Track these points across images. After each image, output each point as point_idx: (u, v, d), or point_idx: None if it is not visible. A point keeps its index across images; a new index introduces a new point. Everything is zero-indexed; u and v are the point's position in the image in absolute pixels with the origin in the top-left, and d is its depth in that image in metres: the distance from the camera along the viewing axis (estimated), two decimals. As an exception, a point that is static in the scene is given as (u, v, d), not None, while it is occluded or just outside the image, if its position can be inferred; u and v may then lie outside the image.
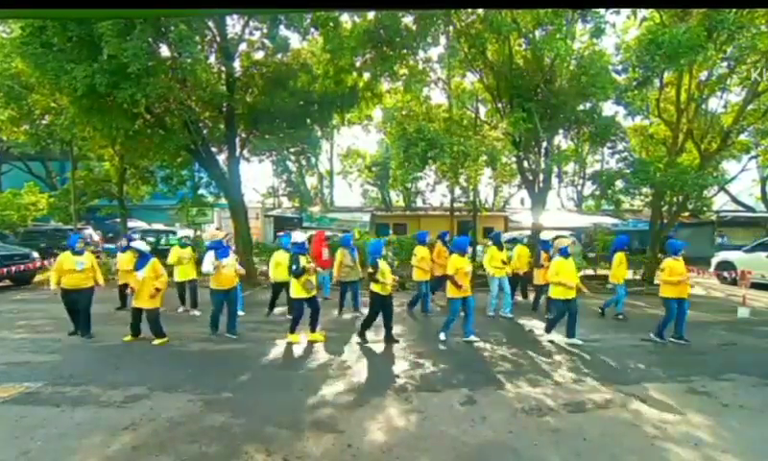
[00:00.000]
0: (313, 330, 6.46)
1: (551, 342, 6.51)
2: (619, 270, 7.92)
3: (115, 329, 6.59)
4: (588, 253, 14.64)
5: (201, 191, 15.04)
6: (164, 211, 21.46)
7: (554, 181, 14.75)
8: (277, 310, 8.20)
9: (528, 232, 14.42)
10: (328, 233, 12.94)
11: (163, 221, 21.15)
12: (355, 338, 6.59)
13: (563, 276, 6.30)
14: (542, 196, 12.98)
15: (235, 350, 6.07)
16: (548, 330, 6.80)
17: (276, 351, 6.04)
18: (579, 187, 24.84)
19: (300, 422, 3.93)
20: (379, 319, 6.42)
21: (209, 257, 6.41)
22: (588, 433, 3.75)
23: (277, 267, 7.48)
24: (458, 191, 14.65)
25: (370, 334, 6.66)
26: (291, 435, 3.69)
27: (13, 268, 10.80)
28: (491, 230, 17.67)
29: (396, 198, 27.89)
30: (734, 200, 21.09)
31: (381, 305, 6.31)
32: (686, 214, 13.97)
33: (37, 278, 12.24)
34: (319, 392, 4.59)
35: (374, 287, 6.26)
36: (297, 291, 6.25)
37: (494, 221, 20.09)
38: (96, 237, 15.83)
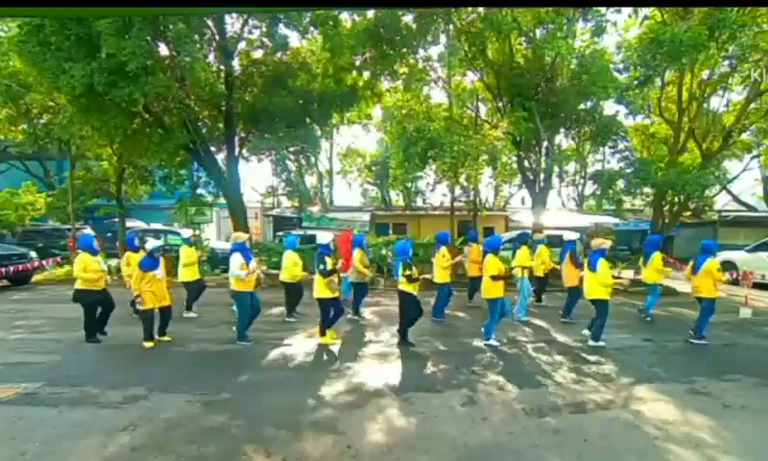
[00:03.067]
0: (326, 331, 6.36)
1: (596, 347, 6.15)
2: (653, 271, 7.67)
3: (114, 331, 6.54)
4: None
5: (199, 191, 14.97)
6: (163, 211, 21.41)
7: (555, 180, 14.77)
8: (276, 310, 8.15)
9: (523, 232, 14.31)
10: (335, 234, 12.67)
11: (162, 221, 21.09)
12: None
13: (609, 277, 6.13)
14: (543, 195, 12.96)
15: (235, 350, 6.03)
16: (598, 337, 6.26)
17: (276, 351, 6.00)
18: (580, 187, 24.78)
19: (300, 422, 3.90)
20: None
21: (237, 260, 6.05)
22: (588, 434, 3.72)
23: (294, 267, 7.22)
24: (458, 191, 14.61)
25: (369, 334, 6.64)
26: (290, 436, 3.66)
27: (11, 268, 10.76)
28: (491, 230, 17.66)
29: (396, 197, 27.82)
30: (736, 199, 20.99)
31: (417, 304, 6.11)
32: (688, 214, 13.95)
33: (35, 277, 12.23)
34: (319, 392, 4.57)
35: (408, 288, 6.01)
36: (321, 290, 6.08)
37: (495, 221, 20.01)
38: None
